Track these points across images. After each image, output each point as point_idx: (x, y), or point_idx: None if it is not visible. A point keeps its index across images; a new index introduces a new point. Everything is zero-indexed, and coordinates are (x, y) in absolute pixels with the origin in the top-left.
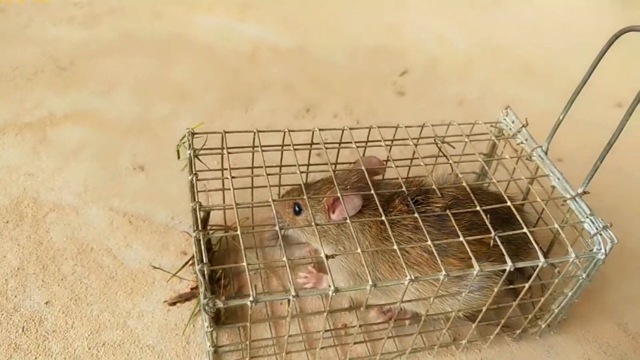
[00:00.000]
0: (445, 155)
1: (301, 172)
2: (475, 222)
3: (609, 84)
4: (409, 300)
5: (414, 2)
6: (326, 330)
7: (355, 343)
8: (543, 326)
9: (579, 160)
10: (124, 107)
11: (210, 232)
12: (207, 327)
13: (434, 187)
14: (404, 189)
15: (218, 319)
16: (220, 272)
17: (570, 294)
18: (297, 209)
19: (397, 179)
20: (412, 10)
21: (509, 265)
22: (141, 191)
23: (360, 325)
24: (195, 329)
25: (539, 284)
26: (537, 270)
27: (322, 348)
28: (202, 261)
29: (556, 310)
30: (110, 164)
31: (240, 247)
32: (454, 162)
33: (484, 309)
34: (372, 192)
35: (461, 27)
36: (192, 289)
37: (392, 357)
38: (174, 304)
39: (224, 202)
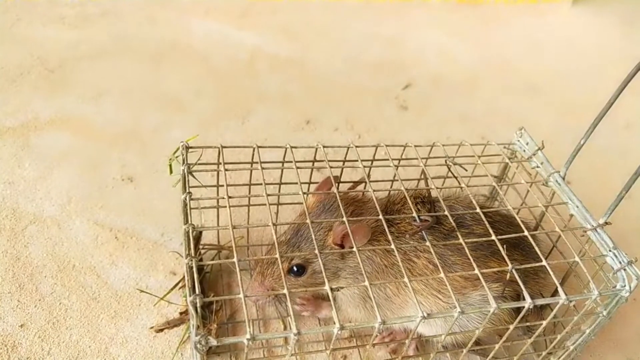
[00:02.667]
0: (455, 177)
1: (304, 193)
2: (481, 242)
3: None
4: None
5: (416, 16)
6: None
7: None
8: None
9: (587, 184)
10: (113, 114)
11: (202, 251)
12: None
13: (442, 204)
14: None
15: (208, 349)
16: (212, 295)
17: (588, 331)
18: (297, 269)
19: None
20: (414, 23)
21: (527, 303)
22: (129, 204)
23: None
24: (184, 358)
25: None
26: (556, 307)
27: None
28: (195, 291)
29: (571, 347)
30: (96, 175)
31: (236, 272)
32: (465, 185)
33: (497, 346)
34: (381, 217)
35: (465, 43)
36: (181, 313)
37: None
38: (161, 330)
39: (217, 221)
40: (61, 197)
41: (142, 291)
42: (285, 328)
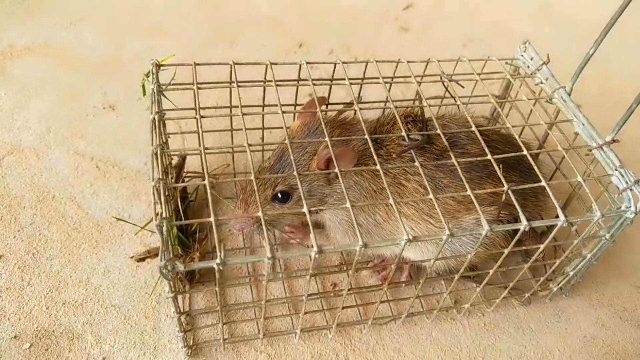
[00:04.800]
0: (452, 96)
1: (283, 112)
2: (475, 163)
3: (630, 26)
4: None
5: None
6: (312, 294)
7: (344, 307)
8: (555, 289)
9: (600, 107)
10: (93, 40)
11: (187, 179)
12: (168, 292)
13: (435, 123)
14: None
15: (192, 278)
16: (196, 225)
17: (589, 256)
18: (281, 196)
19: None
20: None
21: (523, 225)
22: (111, 133)
23: (350, 289)
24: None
25: (554, 244)
26: (554, 230)
27: (307, 313)
28: (162, 216)
29: (571, 273)
30: (76, 103)
31: (217, 197)
32: (462, 103)
33: (492, 271)
34: (367, 136)
35: None
36: None
37: (385, 322)
38: (142, 259)
39: (200, 144)
40: (40, 127)
41: (119, 219)
42: None
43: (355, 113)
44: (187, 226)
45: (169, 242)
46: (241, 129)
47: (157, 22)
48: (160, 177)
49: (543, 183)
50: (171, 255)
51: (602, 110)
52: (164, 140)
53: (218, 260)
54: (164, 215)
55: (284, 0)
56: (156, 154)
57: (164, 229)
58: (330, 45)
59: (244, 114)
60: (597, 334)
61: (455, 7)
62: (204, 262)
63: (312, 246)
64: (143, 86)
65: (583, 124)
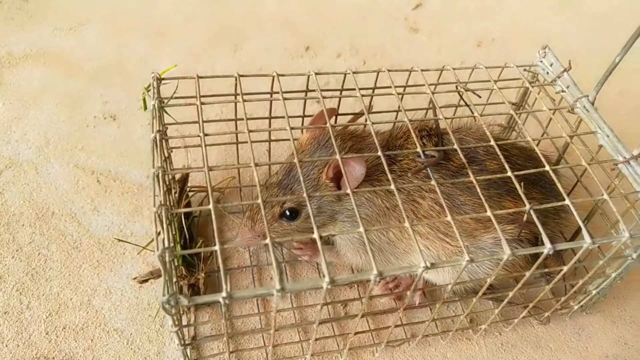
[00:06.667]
0: (467, 105)
1: (292, 128)
2: (494, 179)
3: None
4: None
5: None
6: (324, 320)
7: (357, 333)
8: (576, 307)
9: (620, 113)
10: (94, 46)
11: (190, 194)
12: (171, 326)
13: (451, 137)
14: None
15: (196, 293)
16: (201, 241)
17: (614, 275)
18: (290, 214)
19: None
20: None
21: (547, 248)
22: (112, 145)
23: (364, 314)
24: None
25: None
26: (580, 252)
27: (318, 339)
28: (164, 245)
29: (594, 292)
30: (76, 113)
31: (223, 213)
32: (478, 114)
33: (511, 294)
34: (380, 153)
35: None
36: None
37: (399, 344)
38: (145, 281)
39: (204, 161)
40: (38, 139)
41: (120, 240)
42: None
43: (365, 124)
44: (192, 244)
45: (172, 272)
46: (247, 142)
47: (160, 24)
48: (163, 202)
49: (567, 202)
50: (175, 281)
51: (622, 116)
52: (167, 155)
53: (224, 294)
54: (167, 244)
55: (292, 0)
56: (157, 176)
57: (167, 259)
58: (338, 47)
59: (250, 131)
60: (620, 352)
61: (467, 6)
62: (209, 296)
63: (323, 274)
64: (143, 100)
65: (608, 136)
